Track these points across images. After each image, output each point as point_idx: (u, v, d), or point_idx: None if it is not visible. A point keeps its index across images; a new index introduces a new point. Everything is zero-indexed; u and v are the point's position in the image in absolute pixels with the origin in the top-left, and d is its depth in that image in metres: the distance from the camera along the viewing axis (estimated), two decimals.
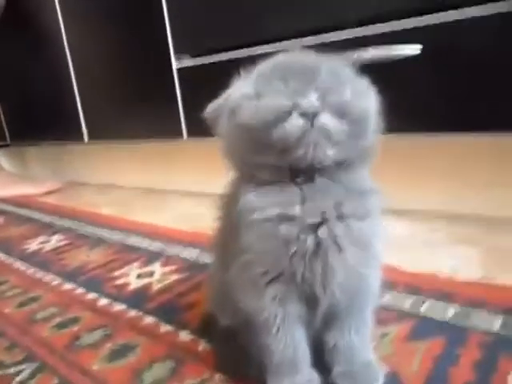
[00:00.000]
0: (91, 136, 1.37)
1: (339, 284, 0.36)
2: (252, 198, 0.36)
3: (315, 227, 0.34)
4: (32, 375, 0.48)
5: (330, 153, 0.33)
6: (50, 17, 1.32)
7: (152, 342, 0.52)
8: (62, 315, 0.61)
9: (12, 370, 0.49)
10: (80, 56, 1.32)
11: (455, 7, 0.64)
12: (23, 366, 0.50)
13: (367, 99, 0.35)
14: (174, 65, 1.04)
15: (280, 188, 0.35)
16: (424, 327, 0.47)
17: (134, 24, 1.12)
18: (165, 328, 0.54)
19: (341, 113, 0.33)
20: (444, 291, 0.53)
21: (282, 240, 0.35)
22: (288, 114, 0.33)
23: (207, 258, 0.73)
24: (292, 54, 0.37)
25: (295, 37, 0.81)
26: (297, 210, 0.34)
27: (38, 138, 1.63)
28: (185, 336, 0.52)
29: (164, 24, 1.02)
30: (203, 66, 0.98)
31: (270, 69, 0.36)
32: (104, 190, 1.48)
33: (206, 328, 0.51)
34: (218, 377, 0.43)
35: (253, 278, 0.37)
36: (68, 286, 0.71)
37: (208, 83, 0.96)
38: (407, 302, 0.52)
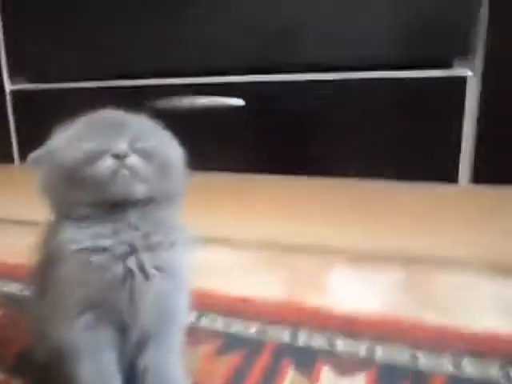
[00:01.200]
0: None
1: (148, 309, 0.41)
2: (68, 231, 0.39)
3: (125, 257, 0.39)
4: None
5: (139, 188, 0.39)
6: None
7: None
8: None
9: None
10: None
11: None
12: None
13: (169, 147, 0.43)
14: (8, 86, 0.99)
15: (94, 223, 0.39)
16: (231, 343, 0.55)
17: None
18: None
19: (147, 156, 0.40)
20: (251, 312, 0.63)
21: (94, 270, 0.38)
22: (100, 155, 0.38)
23: (27, 290, 0.71)
24: (106, 112, 0.43)
25: (136, 77, 0.86)
26: (107, 242, 0.39)
27: None
28: None
29: None
30: (41, 90, 0.96)
31: (88, 121, 0.42)
32: None
33: (21, 365, 0.50)
34: None
35: (65, 309, 0.39)
36: None
37: (44, 109, 0.96)
38: (219, 323, 0.60)
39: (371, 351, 0.53)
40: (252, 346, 0.54)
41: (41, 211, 0.97)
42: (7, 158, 1.02)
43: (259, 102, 0.79)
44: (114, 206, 0.40)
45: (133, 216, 0.40)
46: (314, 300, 0.67)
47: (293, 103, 0.78)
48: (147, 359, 0.44)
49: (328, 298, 0.68)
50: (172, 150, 0.43)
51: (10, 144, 1.02)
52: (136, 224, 0.40)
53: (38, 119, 0.99)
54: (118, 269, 0.39)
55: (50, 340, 0.42)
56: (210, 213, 0.93)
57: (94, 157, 0.38)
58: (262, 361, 0.51)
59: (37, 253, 0.45)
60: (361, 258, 0.84)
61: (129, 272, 0.39)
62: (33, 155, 0.42)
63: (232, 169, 0.84)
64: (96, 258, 0.38)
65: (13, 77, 0.99)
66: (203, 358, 0.52)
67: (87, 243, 0.39)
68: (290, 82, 0.77)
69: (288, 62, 0.77)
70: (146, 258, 0.40)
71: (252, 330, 0.58)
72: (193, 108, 0.81)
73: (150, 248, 0.40)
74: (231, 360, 0.52)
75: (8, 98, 1.00)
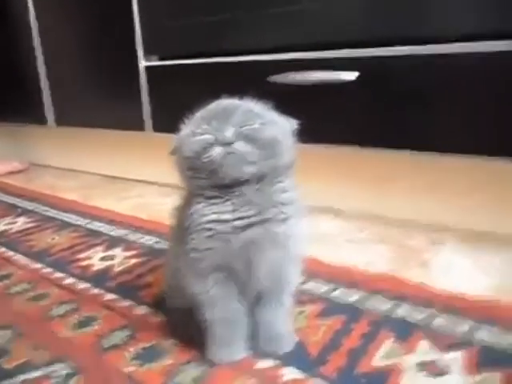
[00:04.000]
0: (56, 120, 1.42)
1: (262, 275, 0.48)
2: (197, 207, 0.47)
3: (244, 230, 0.46)
4: (10, 339, 0.57)
5: (246, 170, 0.45)
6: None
7: (112, 314, 0.62)
8: (33, 291, 0.70)
9: None
10: (49, 40, 1.36)
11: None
12: (1, 333, 0.59)
13: (275, 127, 0.47)
14: (143, 62, 1.12)
15: (217, 200, 0.47)
16: (333, 308, 0.60)
17: (107, 15, 1.18)
18: (124, 303, 0.65)
19: (252, 139, 0.45)
20: (353, 281, 0.67)
21: (217, 240, 0.46)
22: (211, 145, 0.45)
23: (163, 245, 0.84)
24: (219, 102, 0.49)
25: (255, 53, 0.92)
26: (227, 216, 0.46)
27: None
28: (141, 310, 0.62)
29: (133, 22, 1.10)
30: (171, 66, 1.07)
31: (201, 115, 0.49)
32: (66, 174, 1.53)
33: (160, 304, 0.62)
34: (168, 342, 0.55)
35: (198, 270, 0.48)
36: (36, 265, 0.80)
37: (174, 83, 1.07)
38: (323, 289, 0.65)
39: (472, 331, 0.53)
40: (352, 313, 0.59)
41: (164, 174, 1.11)
42: (141, 127, 1.17)
43: (373, 75, 0.79)
44: (231, 186, 0.46)
45: (248, 193, 0.46)
46: (417, 275, 0.68)
47: (407, 78, 0.76)
48: (260, 313, 0.52)
49: (433, 275, 0.69)
50: (278, 129, 0.47)
51: (144, 114, 1.16)
52: (251, 200, 0.46)
53: (169, 92, 1.11)
54: (238, 240, 0.46)
55: (184, 290, 0.51)
56: (320, 184, 0.98)
57: (206, 147, 0.45)
58: (361, 327, 0.56)
59: (174, 217, 0.54)
60: (472, 238, 0.81)
61: (247, 243, 0.46)
62: (171, 150, 0.50)
63: (342, 141, 0.86)
64: (219, 229, 0.46)
65: (147, 54, 1.12)
66: (308, 317, 0.58)
67: (212, 217, 0.46)
68: (405, 55, 0.75)
69: (404, 35, 0.75)
70: (261, 231, 0.46)
71: (353, 298, 0.62)
72: (307, 82, 0.84)
73: (265, 222, 0.46)
74: (332, 323, 0.57)
75: (143, 72, 1.13)
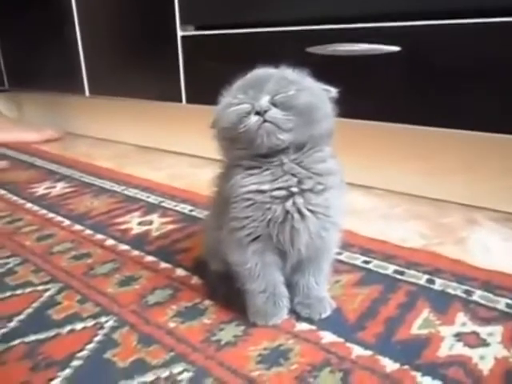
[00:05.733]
0: (92, 90, 1.44)
1: (302, 243, 0.49)
2: (237, 178, 0.48)
3: (283, 200, 0.46)
4: (58, 292, 0.60)
5: (282, 137, 0.45)
6: None
7: (153, 275, 0.64)
8: (76, 250, 0.73)
9: (40, 288, 0.62)
10: (86, 10, 1.37)
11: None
12: (49, 286, 0.62)
13: (311, 94, 0.46)
14: (179, 32, 1.12)
15: (257, 170, 0.47)
16: (369, 278, 0.61)
17: None
18: (163, 265, 0.67)
19: (287, 107, 0.45)
20: (389, 253, 0.67)
21: (257, 209, 0.47)
22: (247, 114, 0.45)
23: (199, 213, 0.85)
24: (255, 72, 0.50)
25: (294, 24, 0.90)
26: (267, 186, 0.46)
27: (38, 86, 1.68)
28: (180, 272, 0.64)
29: None
30: (207, 36, 1.06)
31: (237, 85, 0.49)
32: (101, 143, 1.56)
33: (198, 267, 0.64)
34: (207, 302, 0.57)
35: (239, 239, 0.49)
36: (77, 227, 0.83)
37: (209, 54, 1.07)
38: (360, 260, 0.66)
39: (511, 307, 0.53)
40: (389, 283, 0.59)
41: (201, 147, 1.13)
42: (176, 98, 1.18)
43: (415, 48, 0.77)
44: (269, 156, 0.46)
45: (286, 163, 0.46)
46: (453, 252, 0.68)
47: (448, 52, 0.74)
48: (299, 279, 0.53)
49: (469, 252, 0.69)
50: (314, 95, 0.47)
51: (179, 85, 1.16)
52: (290, 170, 0.46)
53: (202, 64, 1.11)
54: (278, 209, 0.46)
55: (225, 257, 0.53)
56: (352, 160, 0.97)
57: (242, 116, 0.45)
58: (398, 297, 0.56)
59: (214, 186, 0.55)
60: (508, 219, 0.80)
61: (287, 213, 0.46)
62: (210, 123, 0.50)
63: (379, 117, 0.85)
64: (258, 199, 0.46)
65: (183, 24, 1.11)
66: (344, 286, 0.59)
67: (252, 187, 0.47)
68: (448, 27, 0.73)
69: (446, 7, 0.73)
70: (301, 202, 0.47)
71: (389, 269, 0.63)
72: (348, 54, 0.83)
73: (304, 192, 0.47)
74: (369, 292, 0.58)
75: (179, 42, 1.13)
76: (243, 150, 0.47)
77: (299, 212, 0.47)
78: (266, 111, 0.44)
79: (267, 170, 0.47)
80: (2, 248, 0.74)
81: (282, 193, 0.46)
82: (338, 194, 0.49)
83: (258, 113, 0.45)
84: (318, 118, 0.46)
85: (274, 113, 0.45)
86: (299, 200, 0.47)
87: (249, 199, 0.47)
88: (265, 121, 0.44)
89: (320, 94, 0.48)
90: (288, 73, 0.49)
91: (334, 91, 0.49)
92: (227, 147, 0.49)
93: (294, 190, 0.46)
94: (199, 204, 0.89)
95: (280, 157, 0.46)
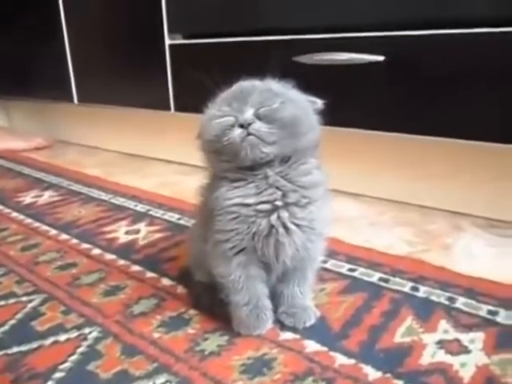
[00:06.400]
0: (81, 98, 1.44)
1: (287, 256, 0.49)
2: (222, 190, 0.48)
3: (268, 213, 0.47)
4: (42, 303, 0.60)
5: (266, 150, 0.45)
6: None
7: (139, 284, 0.64)
8: (61, 260, 0.73)
9: (24, 299, 0.61)
10: (75, 17, 1.36)
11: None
12: (33, 297, 0.62)
13: (295, 106, 0.46)
14: (167, 41, 1.12)
15: (241, 183, 0.47)
16: (354, 286, 0.61)
17: None
18: (149, 275, 0.67)
19: (271, 120, 0.45)
20: (374, 261, 0.68)
21: (242, 223, 0.47)
22: (231, 127, 0.45)
23: (186, 221, 0.85)
24: (239, 84, 0.50)
25: (281, 33, 0.91)
26: (251, 199, 0.46)
27: (26, 93, 1.68)
28: (166, 281, 0.64)
29: (160, 0, 1.10)
30: (195, 45, 1.07)
31: (222, 97, 0.49)
32: (89, 151, 1.56)
33: (184, 277, 0.63)
34: (192, 312, 0.57)
35: (223, 251, 0.49)
36: (64, 236, 0.82)
37: (196, 62, 1.07)
38: (345, 267, 0.66)
39: (493, 314, 0.54)
40: (373, 291, 0.60)
41: (188, 155, 1.13)
42: (164, 106, 1.18)
43: (398, 58, 0.78)
44: (254, 169, 0.47)
45: (271, 176, 0.47)
46: (438, 259, 0.69)
47: (433, 61, 0.75)
48: (284, 288, 0.54)
49: (453, 259, 0.69)
50: (299, 108, 0.47)
51: (167, 93, 1.17)
52: (274, 184, 0.47)
53: (190, 72, 1.11)
54: (263, 223, 0.47)
55: (208, 267, 0.53)
56: (339, 167, 0.98)
57: (226, 129, 0.45)
58: (382, 305, 0.57)
59: (199, 196, 0.55)
60: (493, 225, 0.81)
61: (272, 226, 0.47)
62: (196, 134, 0.51)
63: (364, 125, 0.86)
64: (243, 213, 0.47)
65: (171, 33, 1.12)
66: (329, 294, 0.59)
67: (236, 200, 0.47)
68: (431, 37, 0.74)
69: (431, 18, 0.74)
70: (286, 216, 0.47)
71: (374, 277, 0.63)
72: (332, 63, 0.84)
73: (289, 206, 0.47)
74: (354, 300, 0.58)
75: (167, 50, 1.13)
76: (228, 163, 0.47)
77: (284, 226, 0.47)
78: (249, 124, 0.45)
79: (252, 182, 0.47)
80: None
81: (267, 206, 0.47)
82: (323, 206, 0.49)
83: (241, 125, 0.45)
84: (302, 131, 0.46)
85: (258, 126, 0.45)
86: (284, 214, 0.47)
87: (233, 212, 0.47)
88: (248, 134, 0.44)
89: (305, 106, 0.48)
90: (272, 85, 0.49)
91: (319, 102, 0.49)
92: (212, 159, 0.50)
93: (279, 203, 0.47)
94: (186, 212, 0.89)
95: (265, 169, 0.47)
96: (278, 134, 0.45)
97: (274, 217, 0.47)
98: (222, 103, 0.48)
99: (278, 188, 0.47)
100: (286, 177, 0.47)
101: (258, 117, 0.45)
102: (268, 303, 0.52)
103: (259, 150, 0.45)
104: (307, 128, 0.47)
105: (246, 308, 0.51)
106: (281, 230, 0.47)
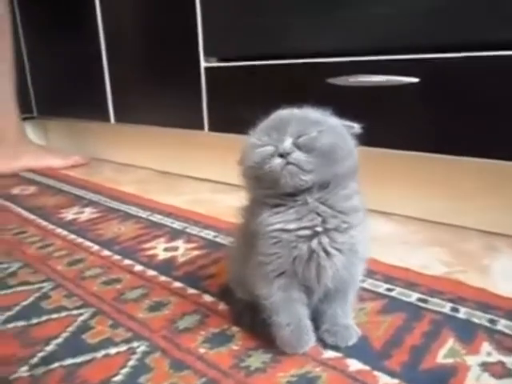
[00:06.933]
0: (117, 118, 1.50)
1: (329, 279, 0.50)
2: (265, 216, 0.50)
3: (309, 238, 0.48)
4: (91, 316, 0.63)
5: (305, 178, 0.46)
6: None
7: (181, 300, 0.66)
8: (105, 275, 0.76)
9: (74, 312, 0.64)
10: (113, 39, 1.43)
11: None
12: (82, 310, 0.65)
13: (333, 135, 0.48)
14: (203, 63, 1.17)
15: (282, 209, 0.49)
16: (392, 306, 0.62)
17: (171, 17, 1.23)
18: (191, 291, 0.69)
19: (310, 149, 0.47)
20: (412, 281, 0.68)
21: (283, 247, 0.48)
22: (271, 156, 0.47)
23: (222, 239, 0.88)
24: (279, 112, 0.52)
25: (316, 56, 0.94)
26: (292, 225, 0.48)
27: (65, 113, 1.76)
28: (207, 298, 0.66)
29: (196, 24, 1.14)
30: (230, 68, 1.11)
31: (261, 126, 0.51)
32: (124, 168, 1.61)
33: (224, 294, 0.65)
34: (234, 328, 0.58)
35: (264, 273, 0.51)
36: (106, 252, 0.86)
37: (231, 84, 1.11)
38: (383, 287, 0.67)
39: None
40: (412, 311, 0.60)
41: (221, 173, 1.17)
42: (198, 126, 1.22)
43: (433, 80, 0.80)
44: (294, 195, 0.48)
45: (310, 202, 0.48)
46: (475, 279, 0.69)
47: (469, 82, 0.76)
48: (326, 308, 0.55)
49: (490, 280, 0.69)
50: (336, 135, 0.48)
51: (202, 114, 1.21)
52: (314, 209, 0.48)
53: (226, 93, 1.16)
54: (304, 248, 0.48)
55: (247, 286, 0.55)
56: (373, 187, 0.99)
57: (267, 158, 0.47)
58: (423, 326, 0.57)
59: (240, 217, 0.57)
60: None
61: (312, 251, 0.48)
62: (238, 160, 0.53)
63: (399, 146, 0.87)
64: (284, 238, 0.48)
65: (206, 56, 1.16)
66: (368, 314, 0.60)
67: (277, 226, 0.49)
68: (465, 59, 0.75)
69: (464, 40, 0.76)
70: (326, 241, 0.48)
71: (412, 297, 0.64)
72: (369, 85, 0.86)
73: (329, 231, 0.48)
74: (393, 320, 0.59)
75: (203, 73, 1.18)
76: (268, 189, 0.49)
77: (325, 250, 0.48)
78: (288, 153, 0.46)
79: (292, 208, 0.48)
80: (37, 272, 0.78)
81: (307, 232, 0.48)
82: (363, 229, 0.51)
83: (281, 155, 0.47)
84: (340, 158, 0.48)
85: (297, 155, 0.46)
86: (324, 239, 0.48)
87: (275, 237, 0.49)
88: (288, 163, 0.46)
89: (343, 133, 0.49)
90: (310, 113, 0.50)
91: (357, 127, 0.51)
92: (253, 185, 0.51)
93: (319, 229, 0.48)
94: (222, 230, 0.92)
95: (304, 196, 0.48)
96: (316, 163, 0.46)
97: (314, 242, 0.48)
98: (262, 133, 0.50)
99: (317, 214, 0.48)
100: (325, 202, 0.48)
101: (297, 145, 0.47)
102: (309, 323, 0.53)
103: (298, 178, 0.46)
104: (345, 155, 0.48)
105: (288, 329, 0.52)
106: (322, 254, 0.48)
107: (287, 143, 0.47)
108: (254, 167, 0.49)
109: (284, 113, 0.51)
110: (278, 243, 0.49)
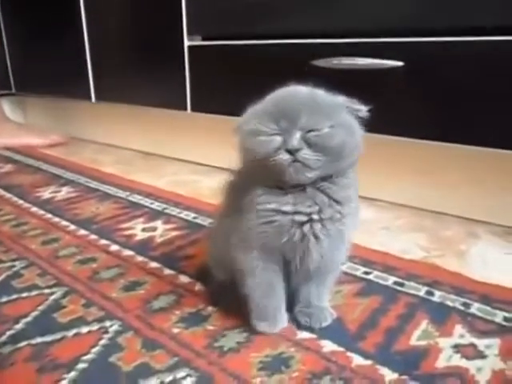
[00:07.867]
0: (98, 96, 1.46)
1: (313, 262, 0.49)
2: (259, 193, 0.48)
3: (302, 224, 0.47)
4: (63, 296, 0.61)
5: (310, 176, 0.45)
6: None
7: (157, 280, 0.65)
8: (81, 254, 0.74)
9: (46, 291, 0.63)
10: (95, 16, 1.38)
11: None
12: (55, 289, 0.63)
13: (343, 132, 0.45)
14: (186, 42, 1.14)
15: (280, 192, 0.47)
16: (369, 289, 0.62)
17: None
18: (167, 271, 0.68)
19: (318, 147, 0.44)
20: (390, 265, 0.68)
21: (274, 228, 0.47)
22: (278, 149, 0.45)
23: (202, 220, 0.87)
24: (288, 92, 0.48)
25: (300, 37, 0.92)
26: (288, 208, 0.47)
27: (44, 90, 1.71)
28: (184, 278, 0.66)
29: (180, 1, 1.11)
30: (213, 46, 1.08)
31: (267, 107, 0.47)
32: (105, 149, 1.58)
33: (201, 275, 0.65)
34: (210, 308, 0.58)
35: (247, 245, 0.50)
36: (82, 231, 0.84)
37: (214, 64, 1.08)
38: (360, 270, 0.67)
39: (509, 320, 0.54)
40: (388, 294, 0.60)
41: (204, 154, 1.14)
42: (181, 106, 1.19)
43: (417, 63, 0.79)
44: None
45: (309, 192, 0.47)
46: (453, 265, 0.69)
47: (452, 67, 0.76)
48: (302, 288, 0.54)
49: (469, 265, 0.70)
50: (347, 131, 0.46)
51: (185, 93, 1.18)
52: (313, 199, 0.47)
53: (210, 72, 1.13)
54: (296, 232, 0.47)
55: (230, 265, 0.53)
56: (360, 171, 0.98)
57: (272, 151, 0.45)
58: (398, 308, 0.57)
59: (225, 193, 0.56)
60: (509, 233, 0.81)
61: (304, 235, 0.47)
62: (234, 127, 0.49)
63: (385, 131, 0.86)
64: (277, 219, 0.47)
65: (190, 35, 1.13)
66: (345, 296, 0.60)
67: (271, 206, 0.47)
68: (448, 44, 0.75)
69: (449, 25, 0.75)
70: (318, 227, 0.47)
71: (389, 281, 0.64)
72: (352, 68, 0.84)
73: (323, 220, 0.47)
74: (369, 302, 0.59)
75: (186, 51, 1.15)
76: (267, 177, 0.47)
77: (315, 236, 0.48)
78: (297, 150, 0.44)
79: (289, 193, 0.47)
80: (9, 251, 0.76)
81: (303, 218, 0.47)
82: (354, 217, 0.50)
83: (288, 151, 0.44)
84: (348, 154, 0.46)
85: (306, 153, 0.44)
86: (317, 226, 0.47)
87: (266, 216, 0.47)
88: (295, 160, 0.44)
89: (352, 126, 0.47)
90: (320, 98, 0.47)
91: (364, 110, 0.48)
92: (252, 169, 0.49)
93: (315, 217, 0.47)
94: (202, 211, 0.91)
95: (304, 185, 0.47)
96: (323, 160, 0.45)
97: (307, 226, 0.47)
98: (268, 117, 0.46)
99: (315, 202, 0.47)
100: (324, 191, 0.47)
101: (306, 141, 0.44)
102: (283, 293, 0.52)
103: (304, 175, 0.45)
104: (353, 149, 0.47)
105: (261, 296, 0.51)
106: (312, 238, 0.48)
107: (296, 140, 0.44)
108: (257, 155, 0.45)
109: (291, 95, 0.47)
110: (269, 223, 0.47)
